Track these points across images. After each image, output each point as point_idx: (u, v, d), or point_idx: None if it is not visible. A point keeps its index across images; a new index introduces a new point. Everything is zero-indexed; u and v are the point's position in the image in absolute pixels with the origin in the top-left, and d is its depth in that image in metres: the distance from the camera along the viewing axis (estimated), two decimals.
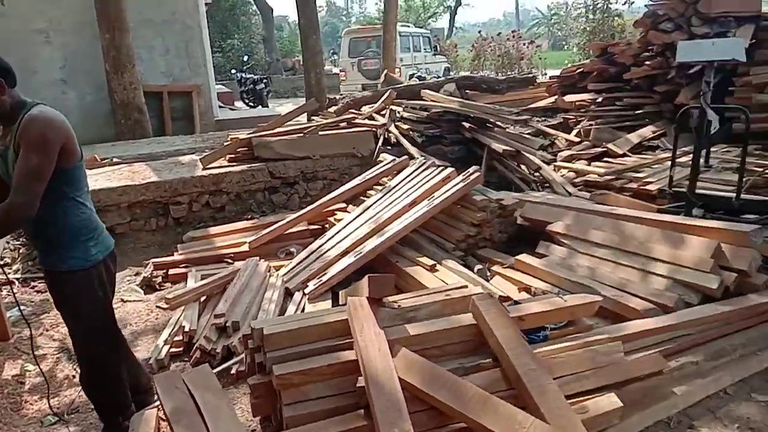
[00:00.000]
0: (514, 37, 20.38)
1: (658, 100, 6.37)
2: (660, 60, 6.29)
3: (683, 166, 3.89)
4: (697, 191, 3.51)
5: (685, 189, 3.53)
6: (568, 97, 7.25)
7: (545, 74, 15.22)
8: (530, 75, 8.98)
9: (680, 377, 2.48)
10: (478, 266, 3.79)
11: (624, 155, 5.60)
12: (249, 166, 5.24)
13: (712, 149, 5.26)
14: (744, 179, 4.43)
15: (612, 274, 3.19)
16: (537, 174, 5.34)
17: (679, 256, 2.99)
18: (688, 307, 2.78)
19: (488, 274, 3.70)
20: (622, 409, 2.19)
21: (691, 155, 3.72)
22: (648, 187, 4.46)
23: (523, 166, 5.51)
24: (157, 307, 3.69)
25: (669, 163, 4.17)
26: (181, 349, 3.18)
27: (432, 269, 3.66)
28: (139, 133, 8.02)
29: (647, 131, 6.01)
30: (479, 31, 23.91)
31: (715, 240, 2.93)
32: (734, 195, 3.38)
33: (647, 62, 6.34)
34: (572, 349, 2.38)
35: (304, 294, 3.63)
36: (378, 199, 4.48)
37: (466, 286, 2.72)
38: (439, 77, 12.08)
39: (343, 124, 6.11)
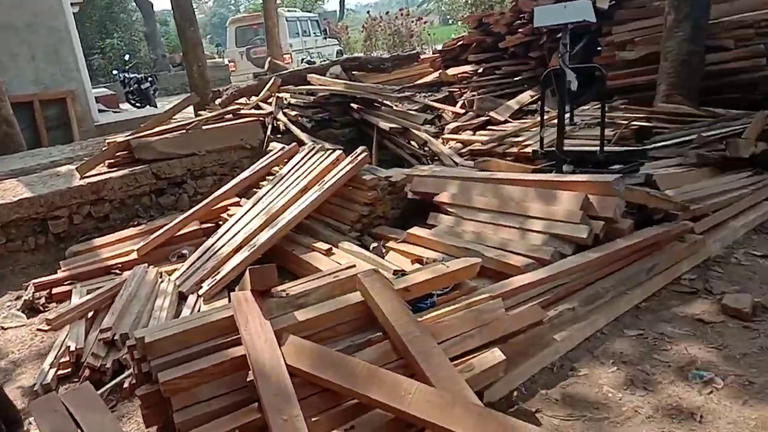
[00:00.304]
0: (402, 15, 20.63)
1: (533, 66, 6.68)
2: (531, 27, 6.55)
3: (553, 126, 4.09)
4: (565, 148, 3.72)
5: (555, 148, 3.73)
6: (451, 71, 7.44)
7: (435, 50, 15.52)
8: (414, 52, 9.11)
9: (559, 324, 2.64)
10: (374, 244, 3.84)
11: (506, 122, 5.84)
12: (131, 169, 5.00)
13: (585, 107, 5.64)
14: (612, 132, 4.78)
15: (494, 236, 3.33)
16: (426, 148, 5.45)
17: (552, 212, 3.17)
18: (563, 258, 2.95)
19: (383, 250, 3.76)
20: (507, 361, 2.30)
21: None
22: (527, 149, 4.68)
23: (413, 142, 5.61)
24: (38, 330, 3.47)
25: (551, 123, 4.38)
26: (69, 370, 3.00)
27: (328, 253, 3.68)
28: (10, 148, 7.43)
29: (526, 96, 6.28)
30: (368, 12, 23.99)
31: (583, 192, 3.12)
32: (599, 149, 3.60)
33: (520, 30, 6.62)
34: (457, 311, 2.48)
35: (199, 296, 3.54)
36: (269, 190, 4.42)
37: (354, 266, 2.75)
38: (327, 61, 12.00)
39: (228, 116, 5.96)
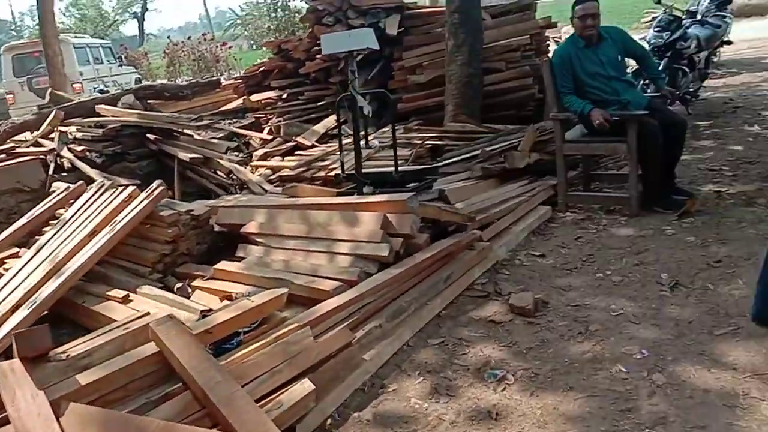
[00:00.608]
0: (206, 40, 20.08)
1: (335, 91, 6.85)
2: None
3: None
4: (365, 171, 3.85)
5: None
6: (255, 97, 7.37)
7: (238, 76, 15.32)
8: (214, 78, 8.88)
9: (368, 343, 2.69)
10: (178, 285, 3.61)
11: (313, 146, 5.91)
12: None
13: (385, 129, 5.91)
14: (409, 152, 5.06)
15: (304, 262, 3.31)
16: (233, 177, 5.31)
17: (356, 233, 3.25)
18: (369, 277, 3.03)
19: (189, 290, 3.55)
20: (319, 389, 2.29)
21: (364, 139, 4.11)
22: (333, 173, 4.77)
23: (218, 172, 5.43)
24: None
25: (352, 147, 4.50)
26: None
27: (125, 300, 3.37)
28: None
29: (331, 120, 6.42)
30: (168, 37, 23.00)
31: (382, 212, 3.24)
32: (394, 169, 3.78)
33: (318, 56, 6.76)
34: (265, 346, 2.40)
35: None
36: (53, 236, 3.95)
37: (148, 313, 2.55)
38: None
39: (1, 157, 5.25)
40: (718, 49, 7.39)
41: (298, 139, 6.07)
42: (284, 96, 7.13)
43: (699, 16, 6.59)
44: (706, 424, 2.05)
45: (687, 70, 5.98)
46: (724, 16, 6.87)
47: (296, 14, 17.69)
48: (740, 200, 3.95)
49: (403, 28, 6.72)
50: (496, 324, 2.88)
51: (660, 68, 5.52)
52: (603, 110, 3.89)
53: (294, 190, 4.49)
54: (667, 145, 3.87)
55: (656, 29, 6.03)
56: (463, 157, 4.79)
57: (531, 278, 3.32)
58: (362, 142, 3.98)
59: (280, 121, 6.62)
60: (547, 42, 7.09)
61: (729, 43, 7.52)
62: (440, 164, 4.61)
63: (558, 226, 3.99)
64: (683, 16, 6.60)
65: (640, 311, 2.83)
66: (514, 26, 6.33)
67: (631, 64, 4.93)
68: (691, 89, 6.24)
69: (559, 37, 10.16)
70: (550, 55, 6.58)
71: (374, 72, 6.60)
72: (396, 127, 5.82)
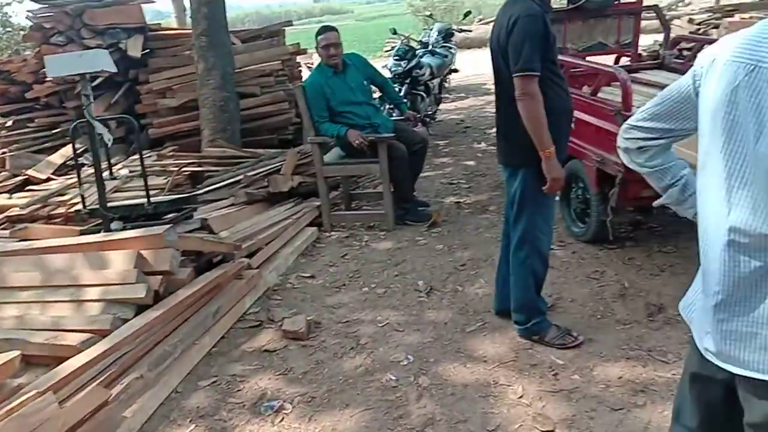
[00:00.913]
0: None
1: (74, 116, 6.12)
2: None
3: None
4: (111, 204, 3.49)
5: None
6: None
7: None
8: None
9: (128, 398, 2.42)
10: None
11: (48, 179, 5.19)
12: None
13: (135, 156, 5.45)
14: (165, 180, 4.75)
15: (43, 316, 2.86)
16: None
17: (106, 276, 2.91)
18: (125, 324, 2.73)
19: None
20: None
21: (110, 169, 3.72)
22: (74, 209, 4.23)
23: None
24: None
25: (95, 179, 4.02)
26: None
27: None
28: None
29: (69, 150, 5.71)
30: None
31: (135, 249, 2.95)
32: (146, 200, 3.48)
33: (48, 78, 5.98)
34: None
35: None
36: None
37: None
38: None
39: None
40: (448, 77, 8.35)
41: (29, 172, 5.28)
42: (9, 123, 6.15)
43: (430, 47, 7.39)
44: (467, 418, 2.25)
45: (424, 95, 6.63)
46: (450, 47, 7.81)
47: (20, 32, 15.50)
48: (476, 209, 4.49)
49: (148, 50, 6.31)
50: (270, 353, 2.82)
51: (401, 94, 6.03)
52: (358, 131, 4.11)
53: (25, 232, 3.87)
54: (411, 162, 4.24)
55: (395, 58, 6.59)
56: (225, 183, 4.63)
57: (303, 301, 3.33)
58: (106, 173, 3.60)
59: (5, 153, 5.68)
60: (299, 68, 7.28)
61: (456, 71, 8.56)
62: (200, 192, 4.39)
63: (325, 246, 4.08)
64: (417, 47, 7.33)
65: (403, 319, 3.02)
66: (265, 51, 6.37)
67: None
68: (429, 112, 6.94)
69: (312, 63, 10.52)
70: (303, 79, 6.78)
71: (119, 96, 6.07)
72: (148, 154, 5.47)
